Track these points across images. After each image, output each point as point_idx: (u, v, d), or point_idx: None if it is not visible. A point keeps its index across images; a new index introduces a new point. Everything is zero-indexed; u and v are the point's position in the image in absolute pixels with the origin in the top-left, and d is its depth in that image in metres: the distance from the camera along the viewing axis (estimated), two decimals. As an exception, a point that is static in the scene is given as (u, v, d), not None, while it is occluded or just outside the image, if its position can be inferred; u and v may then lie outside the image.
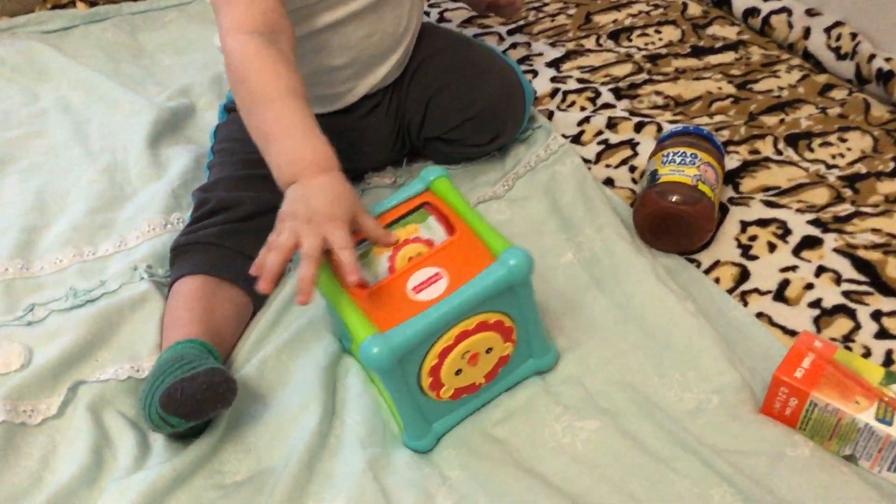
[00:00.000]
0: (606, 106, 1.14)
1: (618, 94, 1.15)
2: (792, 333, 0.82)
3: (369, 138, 1.01)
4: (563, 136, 1.08)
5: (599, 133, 1.09)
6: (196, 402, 0.70)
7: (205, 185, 0.94)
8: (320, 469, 0.73)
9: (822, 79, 1.13)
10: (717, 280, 0.88)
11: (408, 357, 0.68)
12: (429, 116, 1.01)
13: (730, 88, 1.13)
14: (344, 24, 0.91)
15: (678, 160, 0.91)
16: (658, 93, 1.14)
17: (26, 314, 0.86)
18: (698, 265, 0.90)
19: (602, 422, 0.75)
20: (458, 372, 0.72)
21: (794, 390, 0.72)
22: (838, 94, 1.10)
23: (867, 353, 0.80)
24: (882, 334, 0.81)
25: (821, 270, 0.88)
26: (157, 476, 0.70)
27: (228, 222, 0.88)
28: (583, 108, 1.14)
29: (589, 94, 1.16)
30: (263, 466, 0.74)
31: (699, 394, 0.77)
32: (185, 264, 0.86)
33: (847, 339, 0.81)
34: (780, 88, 1.12)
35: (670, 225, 0.89)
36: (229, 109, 1.03)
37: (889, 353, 0.80)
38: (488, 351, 0.73)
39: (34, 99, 1.20)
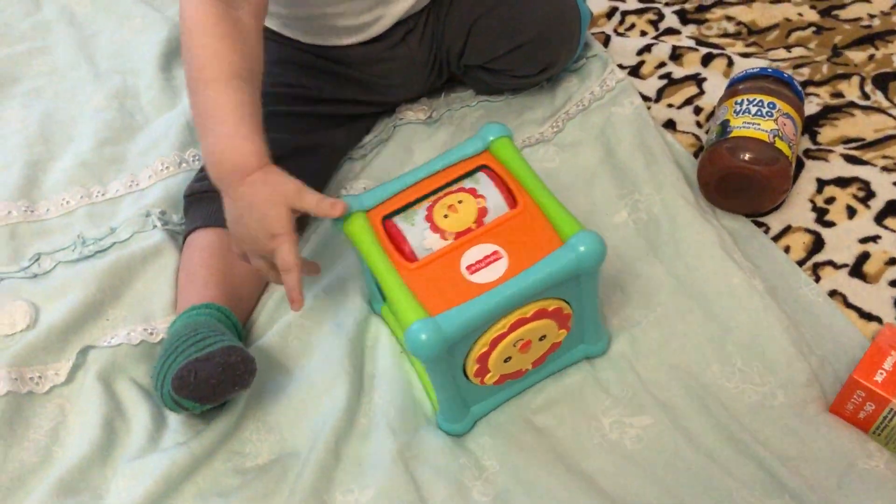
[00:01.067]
0: (670, 31, 1.01)
1: (683, 17, 1.03)
2: (868, 317, 0.74)
3: (400, 69, 0.90)
4: (621, 66, 0.97)
5: (662, 65, 0.97)
6: (210, 385, 0.64)
7: None
8: (348, 455, 0.68)
9: (919, 4, 1.00)
10: (787, 249, 0.80)
11: (457, 344, 0.62)
12: (470, 43, 0.90)
13: (812, 15, 1.00)
14: None
15: (753, 110, 0.80)
16: (729, 18, 1.01)
17: (32, 264, 0.80)
18: (767, 230, 0.81)
19: (654, 418, 0.69)
20: (508, 359, 0.66)
21: (872, 395, 0.65)
22: (938, 24, 0.97)
23: (952, 345, 0.72)
24: (971, 323, 0.73)
25: (906, 243, 0.78)
26: (172, 461, 0.66)
27: None
28: (643, 33, 1.02)
29: (651, 15, 1.03)
30: (287, 448, 0.70)
31: (763, 387, 0.70)
32: (199, 214, 0.79)
33: (930, 326, 0.73)
34: (871, 16, 0.99)
35: (741, 185, 0.79)
36: None
37: (977, 345, 0.71)
38: (541, 338, 0.67)
39: (36, 7, 1.10)
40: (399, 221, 0.67)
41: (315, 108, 0.86)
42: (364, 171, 0.90)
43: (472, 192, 0.68)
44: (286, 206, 0.64)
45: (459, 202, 0.67)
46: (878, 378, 0.65)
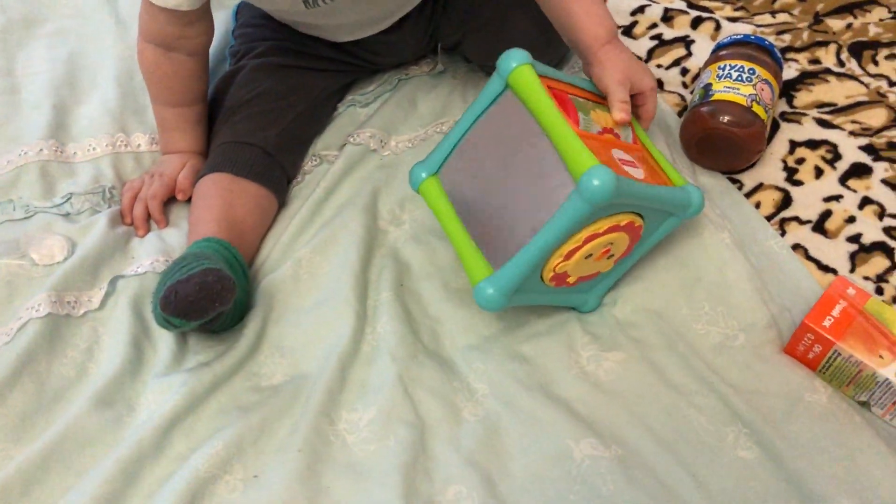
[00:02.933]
0: (664, -7, 1.07)
1: (677, -21, 1.08)
2: (826, 269, 0.82)
3: (393, 50, 0.97)
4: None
5: (654, 26, 1.03)
6: (189, 302, 0.71)
7: (222, 80, 0.94)
8: (353, 378, 0.76)
9: (899, -25, 1.05)
10: (757, 205, 0.87)
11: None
12: (465, 46, 0.97)
13: (798, -18, 1.05)
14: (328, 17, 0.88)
15: (734, 75, 0.87)
16: (720, -18, 1.07)
17: (64, 203, 0.86)
18: (741, 186, 0.88)
19: (627, 353, 0.77)
20: (588, 256, 0.71)
21: (819, 338, 0.73)
22: (914, -4, 1.03)
23: (899, 296, 0.80)
24: (917, 277, 0.81)
25: (865, 202, 0.86)
26: (197, 379, 0.74)
27: (246, 118, 0.88)
28: (638, -8, 1.07)
29: (646, -24, 1.09)
30: (299, 371, 0.77)
31: (726, 329, 0.78)
32: (204, 166, 0.88)
33: (881, 278, 0.81)
34: (853, -15, 1.04)
35: (719, 145, 0.86)
36: None
37: (921, 297, 0.80)
38: (610, 255, 0.74)
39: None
40: (570, 95, 0.74)
41: (299, 60, 0.94)
42: (370, 119, 0.96)
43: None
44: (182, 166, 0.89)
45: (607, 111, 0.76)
46: (826, 323, 0.73)
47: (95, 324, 0.79)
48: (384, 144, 0.94)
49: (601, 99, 0.78)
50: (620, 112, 0.76)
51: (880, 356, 0.71)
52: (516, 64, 0.71)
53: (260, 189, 0.86)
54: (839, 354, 0.72)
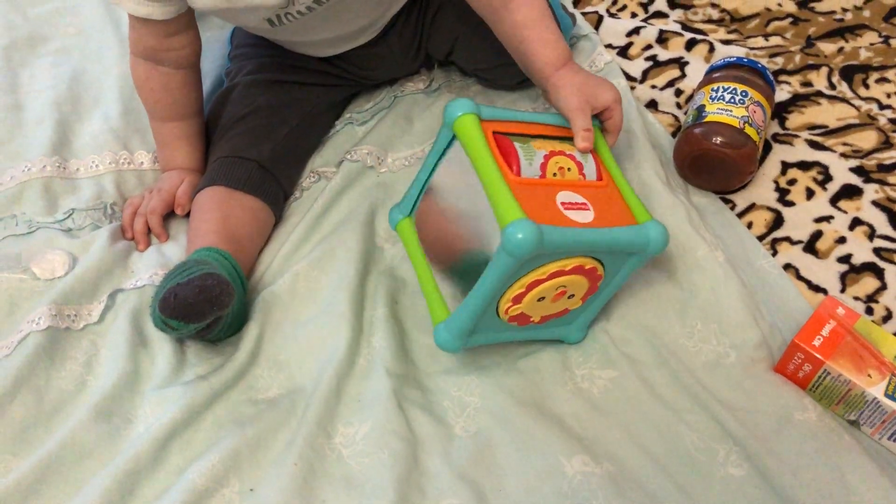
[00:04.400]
0: (659, 15, 1.09)
1: (672, 1, 1.10)
2: (817, 289, 0.83)
3: (380, 63, 0.99)
4: (611, 46, 1.04)
5: (648, 47, 1.04)
6: (189, 305, 0.72)
7: (216, 100, 0.95)
8: (349, 392, 0.77)
9: (890, 0, 1.07)
10: (749, 225, 0.88)
11: (524, 264, 0.67)
12: (456, 54, 0.98)
13: (790, 6, 1.07)
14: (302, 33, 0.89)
15: (727, 97, 0.88)
16: (714, 5, 1.09)
17: (66, 218, 0.88)
18: (733, 206, 0.90)
19: (620, 371, 0.78)
20: (541, 299, 0.72)
21: (809, 357, 0.74)
22: (905, 20, 1.04)
23: (888, 316, 0.81)
24: (906, 298, 0.82)
25: (855, 223, 0.87)
26: (194, 392, 0.75)
27: (241, 133, 0.90)
28: (634, 15, 1.09)
29: (642, -2, 1.11)
30: (295, 384, 0.78)
31: (718, 346, 0.79)
32: (201, 181, 0.90)
33: (871, 299, 0.82)
34: (844, 10, 1.06)
35: (711, 165, 0.88)
36: None
37: (910, 317, 0.81)
38: (570, 296, 0.74)
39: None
40: (514, 141, 0.74)
41: (291, 75, 0.95)
42: (367, 136, 0.98)
43: (573, 158, 0.76)
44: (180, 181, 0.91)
45: (568, 169, 0.75)
46: (816, 343, 0.74)
47: (95, 337, 0.80)
48: (381, 161, 0.95)
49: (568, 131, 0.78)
50: (583, 141, 0.76)
51: (869, 375, 0.72)
52: (460, 113, 0.72)
53: (255, 201, 0.88)
54: (828, 373, 0.73)
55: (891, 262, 0.84)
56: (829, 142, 0.93)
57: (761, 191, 0.90)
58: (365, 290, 0.84)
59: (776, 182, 0.91)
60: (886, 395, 0.71)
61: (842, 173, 0.91)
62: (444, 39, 0.97)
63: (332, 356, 0.78)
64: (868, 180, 0.90)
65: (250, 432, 0.73)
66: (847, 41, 1.02)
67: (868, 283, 0.83)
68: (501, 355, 0.80)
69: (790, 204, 0.89)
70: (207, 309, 0.73)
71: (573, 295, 0.74)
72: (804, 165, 0.92)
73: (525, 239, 0.64)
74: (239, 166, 0.88)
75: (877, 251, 0.85)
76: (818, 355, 0.73)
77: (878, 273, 0.84)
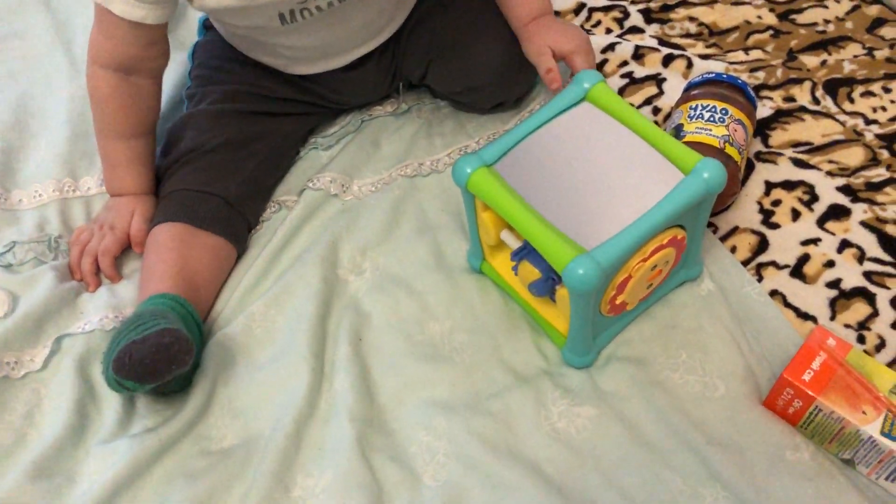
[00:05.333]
0: (634, 30, 1.04)
1: (648, 16, 1.06)
2: (805, 317, 0.79)
3: (355, 88, 0.94)
4: (584, 63, 1.00)
5: (624, 63, 1.00)
6: (145, 365, 0.67)
7: (178, 123, 0.89)
8: (309, 440, 0.72)
9: (873, 11, 1.03)
10: (733, 249, 0.84)
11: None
12: (430, 77, 0.94)
13: (770, 18, 1.03)
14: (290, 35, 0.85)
15: (707, 116, 0.84)
16: (692, 18, 1.04)
17: (7, 252, 0.82)
18: (715, 230, 0.85)
19: (600, 409, 0.73)
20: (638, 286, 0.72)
21: (800, 393, 0.69)
22: (889, 31, 1.00)
23: (881, 344, 0.76)
24: (899, 324, 0.78)
25: (844, 245, 0.83)
26: (141, 445, 0.69)
27: (205, 166, 0.85)
28: (609, 31, 1.05)
29: (617, 13, 1.06)
30: (251, 433, 0.73)
31: (705, 378, 0.75)
32: (159, 211, 0.84)
33: (862, 326, 0.78)
34: (826, 21, 1.02)
35: (690, 188, 0.83)
36: (207, 27, 0.96)
37: (904, 345, 0.76)
38: (664, 266, 0.73)
39: (10, -12, 1.11)
40: None
41: (260, 105, 0.90)
42: (332, 162, 0.93)
43: None
44: (131, 215, 0.85)
45: None
46: (806, 377, 0.69)
47: (37, 385, 0.75)
48: (346, 188, 0.91)
49: None
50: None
51: (863, 412, 0.68)
52: (598, 79, 0.76)
53: (219, 240, 0.82)
54: (820, 410, 0.69)
55: (882, 286, 0.80)
56: (814, 159, 0.89)
57: (745, 213, 0.86)
58: (326, 327, 0.79)
59: (760, 203, 0.87)
60: (883, 433, 0.67)
61: (828, 193, 0.86)
62: (418, 62, 0.93)
63: (291, 401, 0.73)
64: (856, 199, 0.86)
65: (202, 487, 0.68)
66: (830, 54, 0.99)
67: (859, 310, 0.79)
68: (471, 394, 0.75)
69: (775, 226, 0.85)
70: (165, 368, 0.68)
71: (667, 262, 0.73)
72: (789, 185, 0.87)
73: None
74: (203, 202, 0.83)
75: (867, 275, 0.81)
76: (809, 391, 0.69)
77: (870, 298, 0.79)
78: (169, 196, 0.84)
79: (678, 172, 0.71)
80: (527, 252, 0.75)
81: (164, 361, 0.67)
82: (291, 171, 0.93)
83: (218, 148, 0.86)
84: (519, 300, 0.80)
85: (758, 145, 0.91)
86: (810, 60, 0.98)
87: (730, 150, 0.82)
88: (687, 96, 0.88)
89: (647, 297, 0.77)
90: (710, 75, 0.88)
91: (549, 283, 0.74)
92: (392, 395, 0.75)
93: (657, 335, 0.77)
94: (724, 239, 0.84)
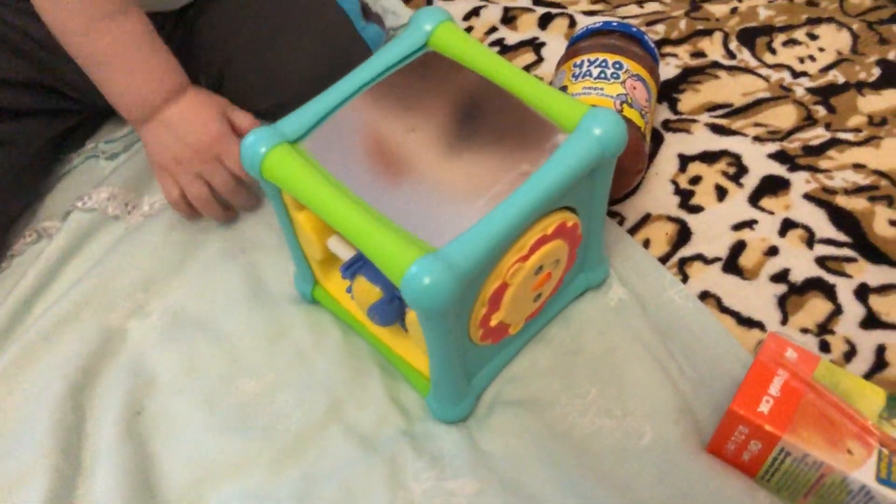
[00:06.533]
0: (503, -10, 0.85)
1: (518, -27, 0.86)
2: (749, 323, 0.59)
3: None
4: (445, 32, 0.80)
5: (493, 30, 0.80)
6: None
7: None
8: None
9: (784, -48, 0.86)
10: (646, 243, 0.64)
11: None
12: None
13: (666, -35, 0.85)
14: None
15: (595, 72, 0.64)
16: (572, -29, 0.86)
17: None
18: (621, 221, 0.65)
19: (482, 481, 0.51)
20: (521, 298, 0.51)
21: (757, 431, 0.49)
22: (805, -28, 0.83)
23: (851, 351, 0.57)
24: (871, 321, 0.58)
25: (787, 226, 0.64)
26: None
27: None
28: (472, -7, 0.85)
29: (481, -28, 0.87)
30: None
31: (624, 420, 0.54)
32: None
33: (824, 329, 0.58)
34: (732, -35, 0.85)
35: (583, 167, 0.63)
36: None
37: (881, 349, 0.57)
38: (554, 267, 0.52)
39: None
40: None
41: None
42: (114, 174, 0.69)
43: None
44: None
45: None
46: (763, 408, 0.49)
47: None
48: (133, 208, 0.67)
49: None
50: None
51: (848, 451, 0.47)
52: (442, 18, 0.55)
53: None
54: (788, 453, 0.48)
55: (841, 273, 0.61)
56: (736, 124, 0.70)
57: (657, 196, 0.66)
58: (87, 401, 0.55)
59: (674, 182, 0.67)
60: (879, 479, 0.46)
61: (759, 162, 0.67)
62: (210, 69, 0.69)
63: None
64: (794, 168, 0.67)
65: None
66: (741, 0, 0.81)
67: (817, 307, 0.59)
68: (300, 477, 0.53)
69: (697, 209, 0.65)
70: None
71: (558, 261, 0.52)
72: (709, 157, 0.68)
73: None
74: None
75: (820, 261, 0.61)
76: (769, 427, 0.48)
77: (828, 291, 0.60)
78: None
79: (559, 131, 0.50)
80: (361, 264, 0.52)
81: None
82: (57, 186, 0.69)
83: None
84: (365, 334, 0.58)
85: (665, 112, 0.72)
86: (718, 9, 0.80)
87: (629, 113, 0.62)
88: (570, 52, 0.68)
89: (536, 315, 0.55)
90: (597, 24, 0.69)
91: (394, 304, 0.52)
92: (185, 490, 0.52)
93: (556, 367, 0.57)
94: (633, 231, 0.64)
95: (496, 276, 0.48)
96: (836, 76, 0.73)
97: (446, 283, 0.43)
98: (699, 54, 0.76)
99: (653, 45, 0.69)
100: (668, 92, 0.73)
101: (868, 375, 0.56)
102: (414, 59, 0.54)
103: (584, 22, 0.79)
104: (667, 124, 0.71)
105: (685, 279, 0.61)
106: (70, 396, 0.54)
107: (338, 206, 0.47)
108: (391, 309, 0.52)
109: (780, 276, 0.61)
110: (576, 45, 0.68)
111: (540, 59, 0.77)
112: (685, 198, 0.66)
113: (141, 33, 0.59)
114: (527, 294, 0.51)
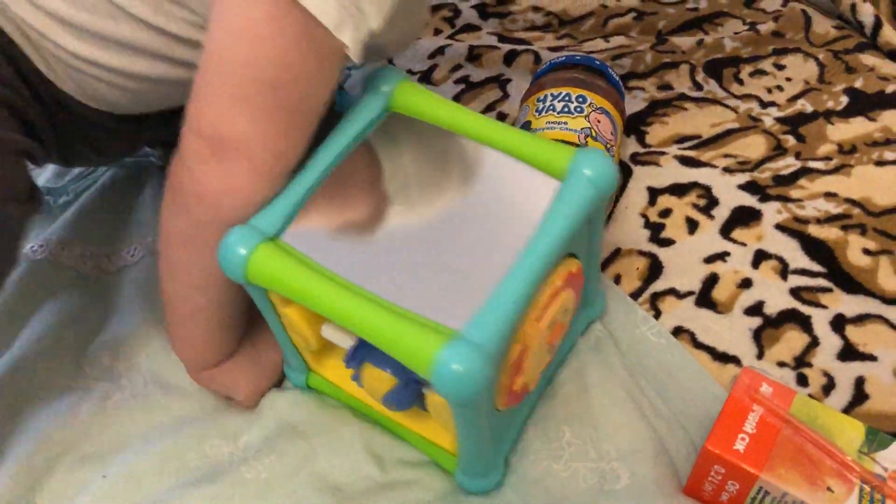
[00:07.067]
0: (468, 28, 0.85)
1: (483, 11, 0.86)
2: (724, 358, 0.57)
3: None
4: (410, 72, 0.79)
5: (458, 68, 0.79)
6: None
7: None
8: None
9: (748, -16, 0.86)
10: (617, 279, 0.62)
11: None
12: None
13: (631, 0, 0.85)
14: None
15: (559, 107, 0.63)
16: (537, 9, 0.85)
17: None
18: (592, 256, 0.63)
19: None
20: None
21: (734, 470, 0.47)
22: (770, 3, 0.83)
23: (830, 384, 0.55)
24: (848, 353, 0.57)
25: (760, 257, 0.62)
26: None
27: None
28: (438, 31, 0.85)
29: (446, 12, 0.87)
30: None
31: (600, 463, 0.52)
32: None
33: (801, 362, 0.56)
34: (696, -2, 0.85)
35: (550, 203, 0.61)
36: None
37: (860, 381, 0.55)
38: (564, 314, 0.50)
39: None
40: None
41: None
42: (71, 226, 0.67)
43: None
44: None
45: None
46: (740, 446, 0.47)
47: None
48: (94, 262, 0.65)
49: None
50: None
51: (828, 489, 0.45)
52: (399, 78, 0.52)
53: None
54: (767, 493, 0.46)
55: (816, 304, 0.59)
56: (705, 155, 0.69)
57: (626, 230, 0.65)
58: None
59: (644, 216, 0.66)
60: (861, 517, 0.44)
61: (730, 193, 0.66)
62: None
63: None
64: (765, 198, 0.66)
65: None
66: (707, 33, 0.80)
67: (793, 340, 0.57)
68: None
69: (668, 242, 0.64)
70: None
71: (564, 320, 0.51)
72: (678, 189, 0.67)
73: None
74: None
75: (795, 292, 0.60)
76: (746, 466, 0.46)
77: (804, 323, 0.58)
78: None
79: (549, 179, 0.48)
80: (367, 351, 0.48)
81: None
82: None
83: None
84: (374, 415, 0.54)
85: (633, 146, 0.71)
86: (684, 41, 0.79)
87: (594, 146, 0.61)
88: (534, 87, 0.67)
89: (548, 367, 0.53)
90: (560, 59, 0.68)
91: (410, 387, 0.48)
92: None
93: (525, 405, 0.54)
94: (604, 266, 0.63)
95: (516, 342, 0.45)
96: (805, 105, 0.72)
97: (479, 368, 0.41)
98: (666, 87, 0.75)
99: (617, 78, 0.68)
100: (635, 125, 0.72)
101: (848, 408, 0.54)
102: (377, 125, 0.51)
103: (549, 57, 0.78)
104: (635, 157, 0.70)
105: (658, 314, 0.60)
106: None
107: (341, 301, 0.44)
108: (408, 393, 0.48)
109: (755, 309, 0.59)
110: (539, 80, 0.68)
111: (506, 96, 0.76)
112: (655, 231, 0.65)
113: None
114: (542, 351, 0.49)
